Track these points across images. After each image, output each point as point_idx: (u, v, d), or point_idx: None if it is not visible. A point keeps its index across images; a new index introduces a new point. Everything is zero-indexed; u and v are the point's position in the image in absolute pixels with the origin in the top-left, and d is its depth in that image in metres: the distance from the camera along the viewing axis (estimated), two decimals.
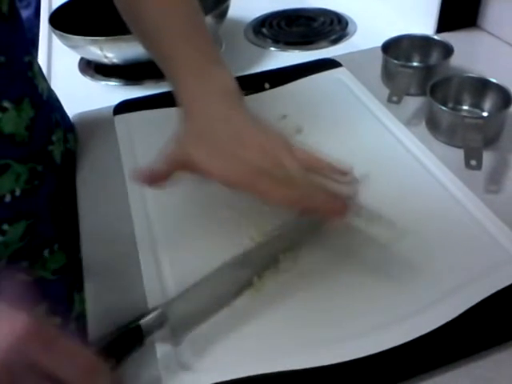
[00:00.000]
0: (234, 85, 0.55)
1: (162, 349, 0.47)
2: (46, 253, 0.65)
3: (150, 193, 0.63)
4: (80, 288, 0.57)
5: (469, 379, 0.44)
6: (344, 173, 0.53)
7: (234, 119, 0.52)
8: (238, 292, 0.51)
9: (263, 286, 0.51)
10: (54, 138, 0.66)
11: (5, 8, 0.57)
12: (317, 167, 0.52)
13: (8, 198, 0.58)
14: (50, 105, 0.68)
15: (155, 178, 0.52)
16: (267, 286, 0.52)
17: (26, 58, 0.62)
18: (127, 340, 0.44)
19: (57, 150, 0.67)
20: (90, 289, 0.55)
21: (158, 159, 0.51)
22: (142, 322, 0.45)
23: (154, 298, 0.51)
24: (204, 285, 0.49)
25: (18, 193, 0.59)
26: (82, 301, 0.55)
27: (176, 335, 0.47)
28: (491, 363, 0.45)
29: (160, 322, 0.46)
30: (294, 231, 0.56)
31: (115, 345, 0.43)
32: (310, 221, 0.56)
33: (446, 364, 0.45)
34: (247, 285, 0.51)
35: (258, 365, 0.45)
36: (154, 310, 0.46)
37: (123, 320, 0.45)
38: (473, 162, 0.61)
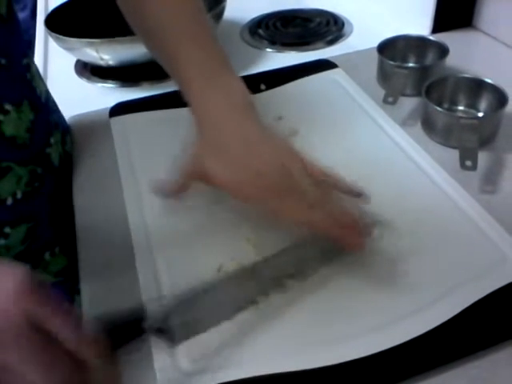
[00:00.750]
0: (245, 92, 0.54)
1: (158, 354, 0.47)
2: (47, 256, 0.65)
3: (145, 194, 0.63)
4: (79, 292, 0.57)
5: (465, 379, 0.45)
6: (356, 193, 0.53)
7: (247, 131, 0.52)
8: (243, 308, 0.49)
9: (269, 304, 0.50)
10: (52, 140, 0.66)
11: (3, 10, 0.57)
12: (329, 183, 0.52)
13: (10, 201, 0.58)
14: (49, 107, 0.68)
15: (174, 190, 0.53)
16: (272, 303, 0.50)
17: (25, 61, 0.62)
18: (126, 330, 0.42)
19: (55, 152, 0.67)
20: (85, 291, 0.55)
21: (174, 171, 0.52)
22: (145, 322, 0.43)
23: (149, 299, 0.51)
24: (207, 295, 0.47)
25: (19, 195, 0.59)
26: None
27: (174, 341, 0.46)
28: (488, 363, 0.45)
29: (160, 327, 0.44)
30: (304, 255, 0.54)
31: (113, 331, 0.41)
32: (323, 247, 0.53)
33: (442, 364, 0.45)
34: (252, 302, 0.50)
35: (256, 366, 0.46)
36: (155, 313, 0.44)
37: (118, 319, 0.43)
38: (468, 163, 0.61)
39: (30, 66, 0.64)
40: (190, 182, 0.52)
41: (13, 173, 0.58)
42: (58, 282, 0.67)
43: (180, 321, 0.45)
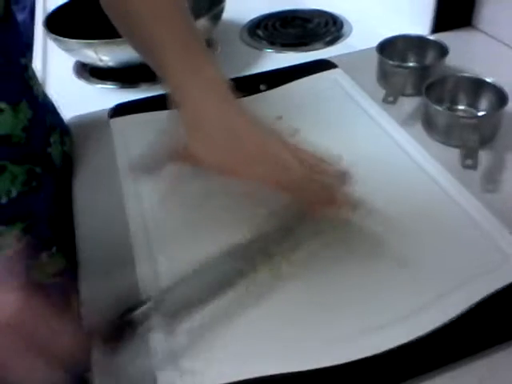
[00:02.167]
0: (222, 75, 0.56)
1: (155, 338, 0.48)
2: (44, 256, 0.64)
3: (145, 194, 0.64)
4: (78, 291, 0.57)
5: (467, 380, 0.44)
6: (336, 169, 0.54)
7: (227, 111, 0.54)
8: (232, 282, 0.51)
9: (257, 277, 0.51)
10: (51, 140, 0.66)
11: (0, 11, 0.57)
12: (310, 160, 0.53)
13: (4, 200, 0.58)
14: (46, 107, 0.68)
15: (150, 167, 0.54)
16: (261, 278, 0.52)
17: (22, 61, 0.62)
18: (121, 330, 0.44)
19: (55, 153, 0.67)
20: (85, 289, 0.55)
21: (153, 150, 0.53)
22: (136, 312, 0.45)
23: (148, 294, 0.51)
24: (197, 275, 0.50)
25: (14, 194, 0.59)
26: (80, 304, 0.54)
27: (169, 325, 0.48)
28: (489, 364, 0.45)
29: (153, 312, 0.46)
30: (284, 220, 0.56)
31: (109, 334, 0.43)
32: (300, 209, 0.56)
33: (442, 365, 0.45)
34: (241, 276, 0.52)
35: (257, 367, 0.45)
36: (147, 300, 0.47)
37: (116, 313, 0.45)
38: (469, 162, 0.61)
39: (27, 67, 0.64)
40: (168, 160, 0.53)
41: (7, 171, 0.58)
42: (54, 282, 0.66)
43: (172, 303, 0.48)
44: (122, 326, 0.44)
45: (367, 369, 0.45)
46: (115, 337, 0.44)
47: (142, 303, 0.46)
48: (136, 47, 0.61)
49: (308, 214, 0.56)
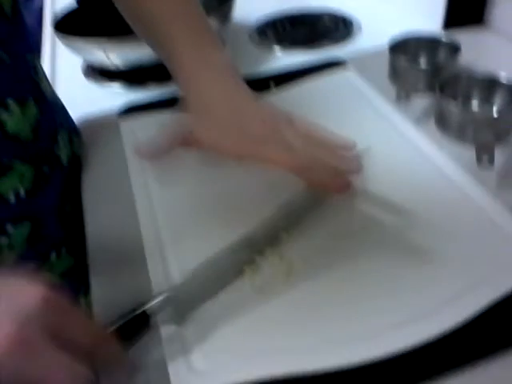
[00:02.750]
0: (230, 60, 0.56)
1: (166, 330, 0.47)
2: (53, 256, 0.64)
3: (156, 194, 0.63)
4: (86, 292, 0.56)
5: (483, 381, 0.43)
6: (346, 147, 0.55)
7: (234, 95, 0.54)
8: (241, 270, 0.51)
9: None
10: (59, 139, 0.66)
11: (7, 9, 0.57)
12: (318, 140, 0.53)
13: (12, 199, 0.58)
14: (54, 106, 0.67)
15: (157, 152, 0.53)
16: (270, 262, 0.52)
17: (30, 59, 0.62)
18: (134, 325, 0.44)
19: (63, 152, 0.66)
20: (96, 288, 0.54)
21: (160, 135, 0.53)
22: (148, 306, 0.45)
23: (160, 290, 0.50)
24: (206, 267, 0.50)
25: (22, 193, 0.58)
26: (89, 305, 0.54)
27: (180, 317, 0.48)
28: (505, 365, 0.44)
29: (165, 306, 0.46)
30: (294, 207, 0.56)
31: (122, 330, 0.43)
32: (310, 195, 0.57)
33: (458, 366, 0.44)
34: (249, 262, 0.52)
35: (270, 366, 0.44)
36: (159, 294, 0.47)
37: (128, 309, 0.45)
38: (485, 159, 0.60)
39: (35, 65, 0.63)
40: (175, 145, 0.53)
41: (15, 170, 0.58)
42: (63, 283, 0.66)
43: (183, 296, 0.48)
44: (135, 319, 0.44)
45: (380, 370, 0.44)
46: (128, 331, 0.43)
47: (154, 297, 0.46)
48: (149, 42, 0.62)
49: (317, 200, 0.56)
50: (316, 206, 0.57)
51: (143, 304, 0.45)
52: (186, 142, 0.53)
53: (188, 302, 0.49)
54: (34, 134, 0.60)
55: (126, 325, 0.44)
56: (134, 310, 0.45)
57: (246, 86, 0.55)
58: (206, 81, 0.54)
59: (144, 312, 0.45)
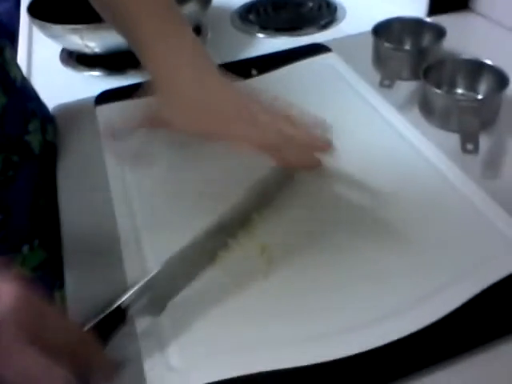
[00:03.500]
0: (201, 45, 0.55)
1: (142, 324, 0.47)
2: (25, 249, 0.62)
3: (132, 182, 0.62)
4: (61, 285, 0.54)
5: (472, 371, 0.42)
6: (317, 125, 0.53)
7: (201, 73, 0.53)
8: (214, 255, 0.51)
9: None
10: (30, 127, 0.64)
11: None
12: (288, 118, 0.52)
13: None
14: (25, 93, 0.65)
15: (121, 133, 0.54)
16: (243, 246, 0.52)
17: None
18: (110, 321, 0.43)
19: (34, 141, 0.64)
20: (70, 281, 0.53)
21: (125, 116, 0.53)
22: (124, 299, 0.44)
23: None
24: (180, 255, 0.48)
25: None
26: (63, 299, 0.52)
27: (156, 308, 0.46)
28: (493, 356, 0.43)
29: (140, 296, 0.45)
30: (264, 187, 0.56)
31: (98, 327, 0.42)
32: (280, 175, 0.56)
33: (445, 358, 0.43)
34: (223, 247, 0.52)
35: (248, 364, 0.43)
36: (134, 285, 0.45)
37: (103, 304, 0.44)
38: (469, 147, 0.59)
39: (2, 50, 0.61)
40: (145, 125, 0.53)
41: None
42: (36, 276, 0.64)
43: (158, 284, 0.46)
44: (111, 315, 0.43)
45: (367, 362, 0.43)
46: (104, 327, 0.42)
47: (128, 289, 0.45)
48: (117, 29, 0.59)
49: (288, 178, 0.56)
50: (287, 184, 0.57)
51: (118, 297, 0.44)
52: (154, 123, 0.52)
53: (163, 291, 0.47)
54: (0, 121, 0.57)
55: (102, 321, 0.42)
56: (110, 304, 0.43)
57: (215, 67, 0.54)
58: (171, 59, 0.53)
59: (119, 306, 0.43)
